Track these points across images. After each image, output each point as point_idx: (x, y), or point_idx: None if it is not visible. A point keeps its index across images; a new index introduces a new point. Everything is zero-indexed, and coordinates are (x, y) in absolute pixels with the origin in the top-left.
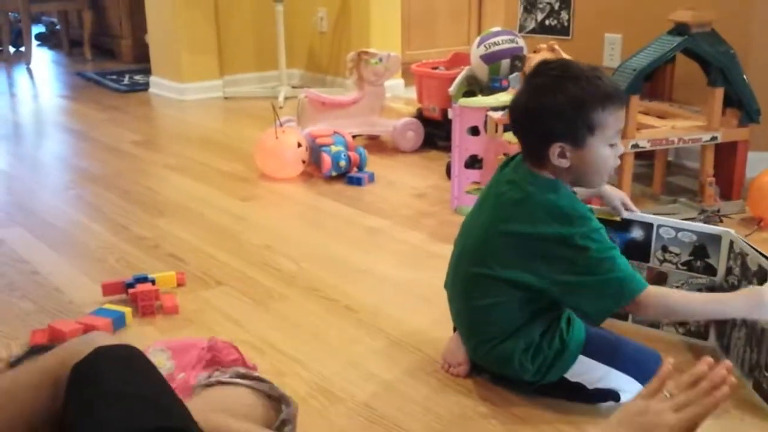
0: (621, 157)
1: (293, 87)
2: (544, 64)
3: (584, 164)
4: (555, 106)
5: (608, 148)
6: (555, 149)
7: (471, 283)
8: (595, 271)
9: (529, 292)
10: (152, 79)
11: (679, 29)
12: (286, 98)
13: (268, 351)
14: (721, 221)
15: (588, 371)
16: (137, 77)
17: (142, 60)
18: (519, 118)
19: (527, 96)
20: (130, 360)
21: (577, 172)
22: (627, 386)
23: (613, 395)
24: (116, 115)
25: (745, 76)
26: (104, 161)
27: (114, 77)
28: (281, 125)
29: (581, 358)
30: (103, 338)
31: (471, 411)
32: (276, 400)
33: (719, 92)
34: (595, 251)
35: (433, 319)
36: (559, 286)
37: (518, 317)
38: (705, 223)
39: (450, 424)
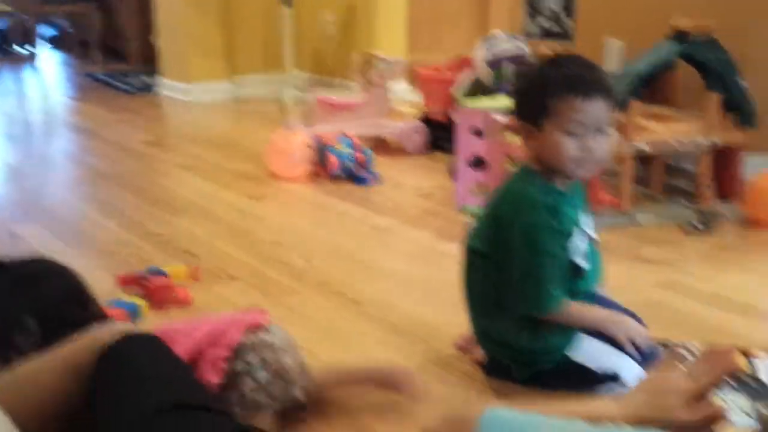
0: (622, 159)
1: (300, 89)
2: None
3: (544, 148)
4: (522, 86)
5: (566, 136)
6: (522, 130)
7: (469, 261)
8: (526, 267)
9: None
10: (160, 80)
11: (679, 36)
12: (294, 100)
13: None
14: (719, 222)
15: (591, 350)
16: (145, 78)
17: (150, 61)
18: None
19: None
20: (158, 346)
21: (545, 155)
22: (628, 368)
23: (614, 377)
24: (126, 116)
25: (742, 82)
26: (116, 160)
27: (123, 78)
28: (289, 127)
29: (584, 338)
30: (126, 327)
31: (484, 402)
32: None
33: (717, 97)
34: (527, 248)
35: (440, 314)
36: (504, 268)
37: (505, 294)
38: (702, 223)
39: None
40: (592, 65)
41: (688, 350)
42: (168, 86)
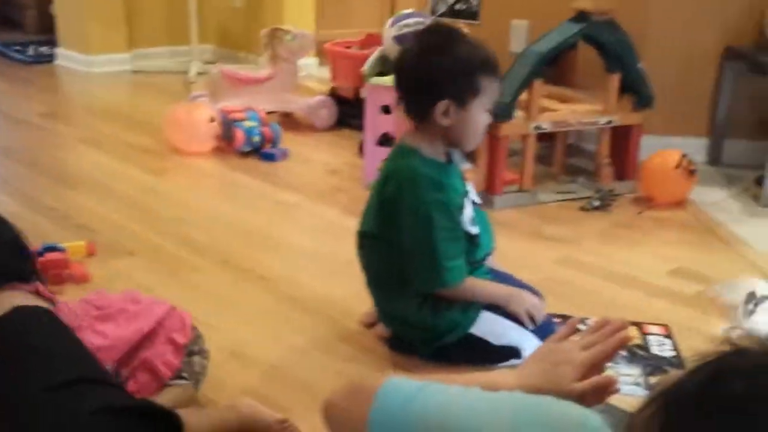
0: (524, 137)
1: (205, 62)
2: (434, 25)
3: (463, 125)
4: (447, 65)
5: (485, 113)
6: (441, 107)
7: (364, 244)
8: (419, 245)
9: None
10: (58, 51)
11: (580, 17)
12: (198, 73)
13: None
14: (615, 200)
15: (493, 326)
16: (42, 49)
17: (48, 31)
18: (409, 74)
19: (418, 53)
20: (49, 318)
21: (455, 132)
22: (528, 342)
23: (515, 352)
24: (21, 87)
25: (640, 64)
26: (10, 132)
27: (18, 48)
28: (193, 100)
29: (485, 314)
30: (19, 298)
31: (385, 374)
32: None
33: (615, 78)
34: (419, 225)
35: (346, 289)
36: (400, 248)
37: (402, 274)
38: (600, 201)
39: (372, 379)
40: (475, 39)
41: (585, 325)
42: (66, 57)
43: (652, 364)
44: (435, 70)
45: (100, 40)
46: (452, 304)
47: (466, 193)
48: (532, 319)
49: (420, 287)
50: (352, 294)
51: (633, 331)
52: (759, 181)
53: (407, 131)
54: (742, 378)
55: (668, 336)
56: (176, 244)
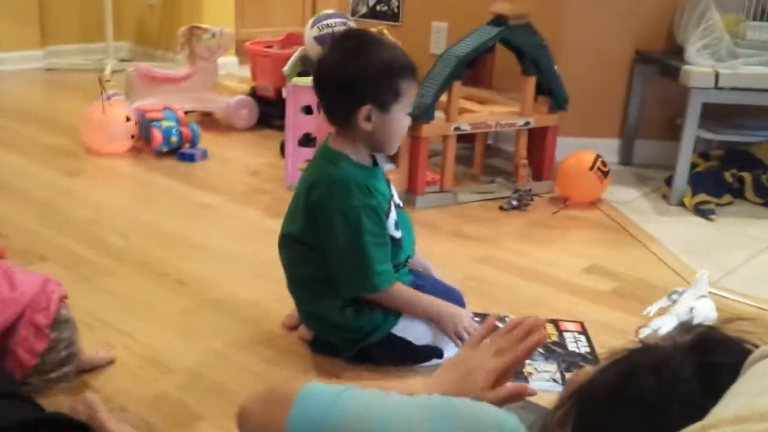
0: (445, 138)
1: (121, 60)
2: (350, 31)
3: (385, 129)
4: (366, 70)
5: (405, 116)
6: (363, 112)
7: (287, 246)
8: (348, 249)
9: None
10: None
11: (498, 20)
12: (114, 72)
13: (96, 325)
14: (532, 199)
15: (414, 327)
16: None
17: None
18: (328, 80)
19: (337, 59)
20: None
21: (378, 137)
22: (449, 344)
23: (437, 352)
24: None
25: (555, 67)
26: None
27: None
28: (108, 99)
29: (406, 316)
30: None
31: (303, 378)
32: None
33: (532, 81)
34: (348, 231)
35: (266, 292)
36: (327, 252)
37: (326, 277)
38: (517, 201)
39: (289, 385)
40: (393, 42)
41: (504, 322)
42: None
43: (568, 360)
44: (355, 76)
45: (10, 37)
46: (374, 306)
47: (391, 197)
48: (460, 338)
49: (348, 292)
50: (274, 296)
51: (550, 329)
52: (668, 181)
53: (331, 135)
54: (649, 375)
55: (583, 332)
56: (91, 248)
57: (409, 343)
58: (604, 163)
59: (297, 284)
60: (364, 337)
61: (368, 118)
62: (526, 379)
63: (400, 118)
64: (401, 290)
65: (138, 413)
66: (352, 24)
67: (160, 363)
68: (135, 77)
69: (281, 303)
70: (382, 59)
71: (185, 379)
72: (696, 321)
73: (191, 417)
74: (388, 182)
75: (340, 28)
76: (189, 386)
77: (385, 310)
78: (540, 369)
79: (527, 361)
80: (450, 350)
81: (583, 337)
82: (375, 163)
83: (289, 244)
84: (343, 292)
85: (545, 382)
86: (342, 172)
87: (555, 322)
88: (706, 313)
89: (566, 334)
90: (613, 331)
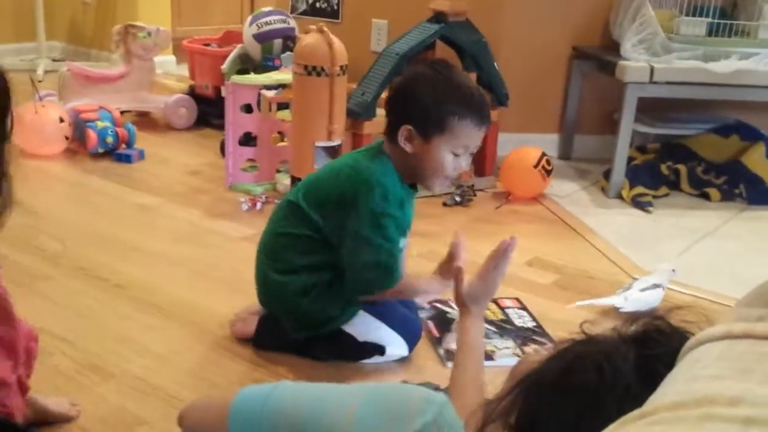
0: None
1: (54, 60)
2: (441, 61)
3: (425, 158)
4: (421, 94)
5: (451, 155)
6: (404, 131)
7: (287, 210)
8: (362, 249)
9: (321, 235)
10: None
11: (438, 17)
12: (46, 71)
13: None
14: (475, 195)
15: (363, 324)
16: None
17: None
18: (391, 94)
19: (405, 79)
20: None
21: (416, 163)
22: (393, 341)
23: (379, 349)
24: None
25: (495, 63)
26: None
27: None
28: (40, 99)
29: (361, 313)
30: None
31: (246, 377)
32: None
33: (472, 77)
34: (371, 229)
35: (207, 293)
36: (342, 242)
37: (310, 254)
38: (460, 197)
39: (226, 391)
40: (480, 89)
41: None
42: None
43: (522, 335)
44: (408, 96)
45: None
46: (335, 300)
47: (409, 227)
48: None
49: (365, 292)
50: (214, 298)
51: (492, 307)
52: (607, 174)
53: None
54: (591, 367)
55: (523, 308)
56: (26, 253)
57: (353, 338)
58: (548, 162)
59: (272, 253)
60: (315, 327)
61: (409, 139)
62: (491, 357)
63: (441, 154)
64: (404, 282)
65: (77, 419)
66: (292, 21)
67: (101, 369)
68: (69, 77)
69: (223, 305)
70: (439, 89)
71: (128, 384)
72: (640, 306)
73: (132, 422)
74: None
75: (278, 26)
76: (129, 391)
77: (343, 307)
78: (500, 346)
79: (485, 340)
80: (393, 346)
81: (524, 312)
82: (413, 187)
83: (289, 210)
84: (352, 288)
85: (509, 358)
86: (384, 174)
87: (494, 301)
88: (653, 300)
89: (508, 311)
90: (555, 323)
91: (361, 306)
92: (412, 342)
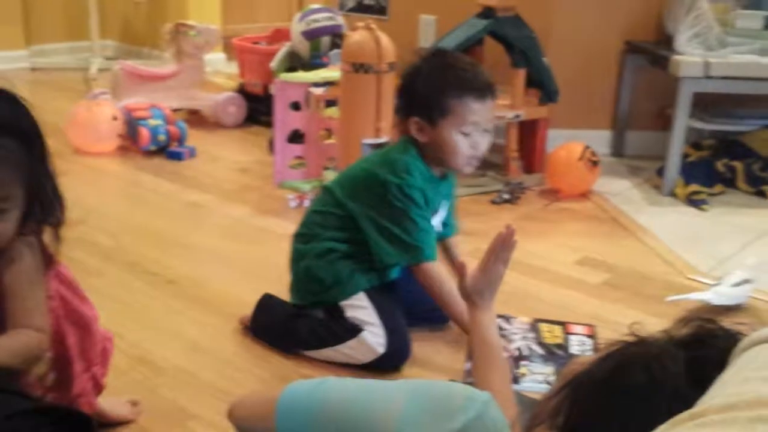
0: None
1: (107, 58)
2: (435, 50)
3: (439, 143)
4: (418, 85)
5: (460, 135)
6: (413, 123)
7: (323, 194)
8: (396, 222)
9: (348, 213)
10: None
11: (486, 12)
12: (100, 70)
13: None
14: (524, 193)
15: (357, 300)
16: None
17: None
18: (397, 94)
19: (404, 76)
20: None
21: (435, 150)
22: (376, 332)
23: (358, 330)
24: None
25: (545, 59)
26: None
27: None
28: (94, 97)
29: (362, 295)
30: None
31: (294, 373)
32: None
33: (521, 73)
34: (403, 205)
35: (256, 290)
36: (368, 220)
37: (334, 229)
38: (509, 194)
39: (273, 386)
40: (476, 63)
41: (505, 319)
42: None
43: (568, 362)
44: (408, 89)
45: None
46: (347, 268)
47: (446, 198)
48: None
49: (388, 260)
50: (262, 294)
51: (556, 330)
52: (660, 172)
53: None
54: (640, 369)
55: (591, 336)
56: (80, 249)
57: (341, 312)
58: (593, 153)
59: (304, 221)
60: (318, 292)
61: (420, 130)
62: (517, 380)
63: (451, 136)
64: (440, 275)
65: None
66: (340, 18)
67: (152, 363)
68: (121, 75)
69: None
70: (433, 76)
71: (177, 378)
72: (731, 301)
73: (183, 416)
74: (447, 203)
75: (326, 23)
76: (180, 385)
77: (351, 272)
78: (534, 371)
79: (522, 363)
80: (372, 334)
81: (589, 341)
82: (444, 177)
83: (325, 191)
84: (379, 259)
85: (536, 384)
86: (411, 159)
87: (564, 324)
88: (743, 295)
89: (572, 337)
90: (605, 323)
91: (367, 289)
92: (393, 349)
